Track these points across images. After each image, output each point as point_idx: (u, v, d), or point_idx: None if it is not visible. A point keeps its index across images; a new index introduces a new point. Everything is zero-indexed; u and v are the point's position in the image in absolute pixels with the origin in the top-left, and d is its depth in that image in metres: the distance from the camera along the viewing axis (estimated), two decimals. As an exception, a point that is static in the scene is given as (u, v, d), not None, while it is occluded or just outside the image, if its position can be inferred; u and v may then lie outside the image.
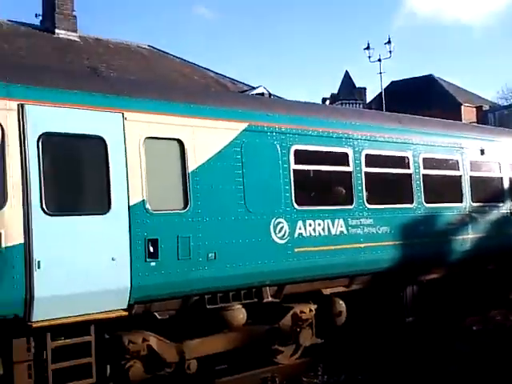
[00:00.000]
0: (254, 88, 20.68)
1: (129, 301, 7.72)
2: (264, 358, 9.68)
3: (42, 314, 6.99)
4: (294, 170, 9.56)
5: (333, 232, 9.93)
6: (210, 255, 8.43)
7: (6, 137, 6.95)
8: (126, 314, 7.70)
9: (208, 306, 8.57)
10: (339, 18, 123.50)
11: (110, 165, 7.70)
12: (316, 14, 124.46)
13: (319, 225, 9.75)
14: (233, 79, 23.75)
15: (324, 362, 9.93)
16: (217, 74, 23.82)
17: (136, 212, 7.82)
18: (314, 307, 9.94)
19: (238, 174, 8.92)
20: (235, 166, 8.91)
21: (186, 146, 8.42)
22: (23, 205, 6.97)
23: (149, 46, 24.06)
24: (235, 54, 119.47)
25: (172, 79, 20.57)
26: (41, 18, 21.35)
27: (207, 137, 8.68)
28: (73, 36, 21.20)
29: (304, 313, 9.76)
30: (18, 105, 7.08)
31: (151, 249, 7.88)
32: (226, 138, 8.89)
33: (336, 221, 9.97)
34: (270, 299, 9.32)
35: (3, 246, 6.77)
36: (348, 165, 10.37)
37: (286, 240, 9.31)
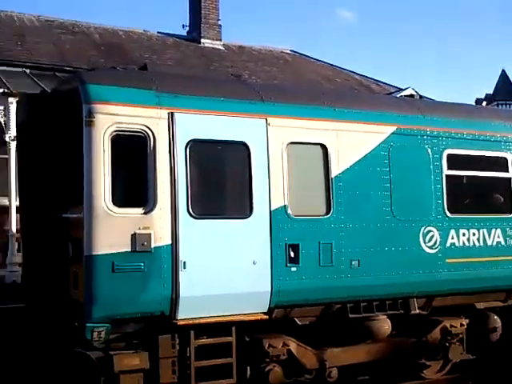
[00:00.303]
0: (401, 90, 19.94)
1: (269, 304, 7.81)
2: (409, 372, 9.29)
3: (186, 312, 7.29)
4: (447, 176, 9.13)
5: (489, 242, 9.39)
6: (353, 263, 8.29)
7: (157, 144, 7.33)
8: (266, 317, 7.80)
9: (350, 315, 8.40)
10: (493, 13, 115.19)
11: (253, 170, 7.85)
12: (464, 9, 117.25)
13: (474, 234, 9.26)
14: (378, 81, 23.12)
15: (474, 379, 9.40)
16: (361, 75, 23.37)
17: (277, 217, 7.89)
18: (465, 322, 9.39)
19: (384, 179, 8.67)
20: (382, 171, 8.68)
21: (329, 151, 8.36)
22: (171, 208, 7.30)
23: (291, 50, 24.18)
24: (380, 56, 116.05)
25: (315, 83, 20.55)
26: (187, 28, 22.26)
27: (352, 141, 8.54)
28: (217, 45, 21.82)
29: (455, 327, 9.25)
30: (168, 113, 7.42)
31: (292, 254, 7.92)
32: (372, 142, 8.69)
33: (493, 230, 9.43)
34: (417, 311, 8.93)
35: (152, 246, 7.14)
36: (507, 170, 9.74)
37: (436, 250, 8.92)
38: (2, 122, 12.45)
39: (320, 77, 21.87)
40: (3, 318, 9.07)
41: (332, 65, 23.79)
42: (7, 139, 12.24)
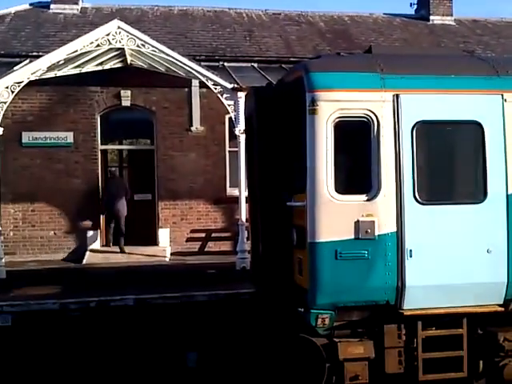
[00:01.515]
0: None
1: (505, 296, 7.29)
2: None
3: (412, 302, 7.09)
4: None
5: None
6: None
7: (381, 128, 7.18)
8: (502, 309, 7.30)
9: None
10: None
11: (487, 151, 7.34)
12: None
13: None
14: None
15: None
16: None
17: (515, 201, 7.31)
18: None
19: None
20: None
21: None
22: (396, 194, 7.13)
23: (531, 19, 22.04)
24: None
25: None
26: (415, 6, 21.49)
27: None
28: (448, 20, 20.76)
29: None
30: (393, 95, 7.22)
31: None
32: None
33: None
34: None
35: (376, 233, 7.04)
36: None
37: None
38: (233, 117, 13.20)
39: None
40: (234, 303, 9.74)
41: None
42: (237, 133, 12.91)
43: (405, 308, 7.10)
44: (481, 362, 7.50)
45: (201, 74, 13.42)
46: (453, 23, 20.89)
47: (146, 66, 14.81)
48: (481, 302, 7.26)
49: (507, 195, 7.33)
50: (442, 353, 7.17)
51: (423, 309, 7.12)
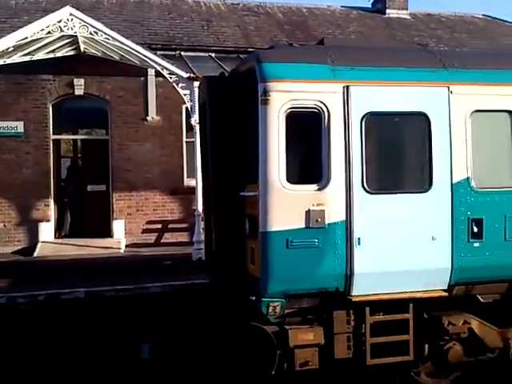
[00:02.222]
0: None
1: (449, 281, 7.52)
2: None
3: (361, 289, 7.25)
4: None
5: None
6: None
7: (332, 119, 7.28)
8: (446, 294, 7.52)
9: (539, 293, 7.84)
10: None
11: (433, 142, 7.53)
12: None
13: None
14: None
15: None
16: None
17: (459, 190, 7.53)
18: None
19: None
20: None
21: None
22: (345, 184, 7.26)
23: (483, 15, 22.57)
24: None
25: (510, 47, 19.00)
26: (372, 0, 21.85)
27: (544, 107, 7.85)
28: (403, 14, 21.21)
29: None
30: (344, 87, 7.33)
31: (475, 229, 7.53)
32: None
33: None
34: None
35: (326, 222, 7.16)
36: None
37: None
38: (189, 107, 13.21)
39: (517, 41, 20.32)
40: (188, 293, 9.80)
41: (531, 27, 21.93)
42: (193, 123, 12.88)
43: (353, 294, 7.25)
44: (426, 345, 7.72)
45: (156, 62, 13.37)
46: (408, 17, 21.29)
47: (99, 54, 14.64)
48: (426, 288, 7.45)
49: (451, 184, 7.53)
50: (389, 337, 7.35)
51: (371, 295, 7.27)
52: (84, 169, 16.61)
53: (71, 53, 14.89)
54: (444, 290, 7.54)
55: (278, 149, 7.13)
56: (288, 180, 7.14)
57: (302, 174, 7.33)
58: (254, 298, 7.20)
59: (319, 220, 7.14)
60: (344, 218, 7.24)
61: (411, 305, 7.46)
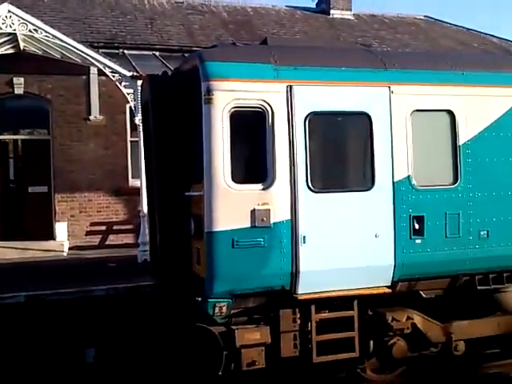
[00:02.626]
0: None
1: (392, 278, 7.64)
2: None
3: (306, 287, 7.29)
4: None
5: None
6: (482, 233, 7.92)
7: (276, 118, 7.29)
8: (389, 291, 7.64)
9: (479, 287, 8.08)
10: None
11: (375, 141, 7.63)
12: None
13: None
14: (519, 43, 21.60)
15: None
16: (500, 38, 21.87)
17: (401, 188, 7.66)
18: None
19: None
20: (514, 137, 8.16)
21: (456, 118, 7.97)
22: (290, 183, 7.29)
23: (425, 16, 23.14)
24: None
25: (449, 48, 19.63)
26: (316, 0, 22.05)
27: (481, 106, 8.09)
28: (347, 15, 21.48)
29: None
30: (287, 86, 7.35)
31: (416, 226, 7.67)
32: (502, 106, 8.20)
33: None
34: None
35: (272, 221, 7.17)
36: None
37: None
38: (133, 106, 13.04)
39: (455, 42, 20.93)
40: (133, 296, 9.67)
41: (469, 29, 22.57)
42: (137, 122, 12.70)
43: (299, 292, 7.28)
44: (371, 341, 7.83)
45: (98, 61, 13.15)
46: (352, 17, 21.56)
47: (40, 53, 14.26)
48: (370, 285, 7.55)
49: (393, 183, 7.65)
50: (334, 334, 7.42)
51: (316, 293, 7.32)
52: (25, 170, 16.17)
53: (10, 51, 14.46)
54: (387, 287, 7.65)
55: (223, 148, 7.10)
56: (233, 179, 7.12)
57: (247, 173, 7.32)
58: (199, 299, 7.15)
59: (264, 219, 7.14)
60: (289, 217, 7.26)
61: (356, 302, 7.55)
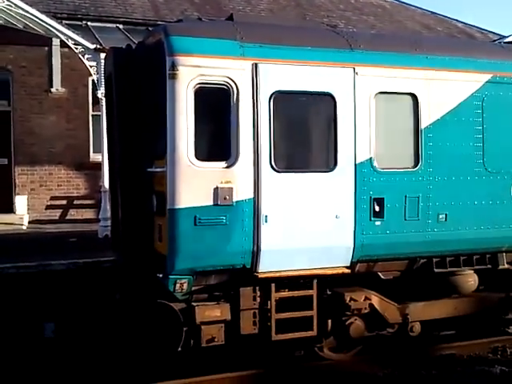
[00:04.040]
0: (504, 37, 18.77)
1: (352, 259, 7.74)
2: (495, 328, 9.11)
3: (267, 265, 7.34)
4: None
5: None
6: (440, 217, 8.06)
7: (240, 96, 7.25)
8: (348, 271, 7.73)
9: (436, 270, 8.23)
10: None
11: (338, 122, 7.66)
12: None
13: None
14: (482, 29, 21.85)
15: None
16: (464, 24, 22.15)
17: (362, 170, 7.73)
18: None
19: (477, 130, 8.31)
20: (474, 122, 8.32)
21: (419, 101, 8.05)
22: (253, 162, 7.28)
23: (391, -2, 23.30)
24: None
25: (414, 31, 19.80)
26: None
27: (444, 90, 8.18)
28: (315, -6, 21.41)
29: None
30: (252, 64, 7.31)
31: (376, 208, 7.76)
32: (465, 91, 8.30)
33: None
34: (505, 266, 8.65)
35: (234, 200, 7.18)
36: None
37: None
38: (95, 79, 12.84)
39: (420, 25, 21.10)
40: (93, 271, 9.59)
41: (434, 13, 22.74)
42: (100, 96, 12.51)
43: (260, 271, 7.32)
44: (329, 321, 7.93)
45: (61, 32, 12.86)
46: (319, -3, 21.44)
47: (1, 22, 13.84)
48: (330, 265, 7.62)
49: (355, 164, 7.71)
50: (293, 313, 7.48)
51: (276, 271, 7.38)
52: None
53: (-30, 19, 14.04)
54: (347, 267, 7.74)
55: (187, 125, 7.04)
56: (196, 157, 7.08)
57: (211, 150, 7.29)
58: (161, 276, 7.15)
59: (227, 197, 7.14)
60: (252, 196, 7.27)
61: (315, 281, 7.63)
